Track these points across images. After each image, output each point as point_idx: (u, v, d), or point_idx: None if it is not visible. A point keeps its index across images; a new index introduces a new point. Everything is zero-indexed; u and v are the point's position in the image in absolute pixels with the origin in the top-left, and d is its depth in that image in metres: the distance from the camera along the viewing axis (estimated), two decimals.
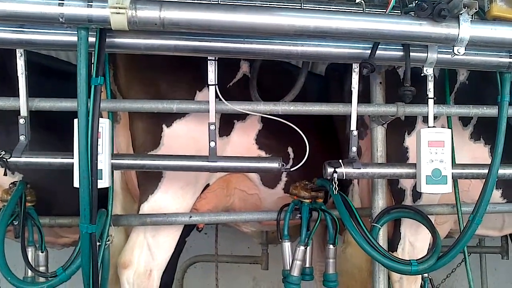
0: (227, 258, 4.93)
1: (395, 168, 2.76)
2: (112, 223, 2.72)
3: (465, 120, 3.21)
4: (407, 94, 2.47)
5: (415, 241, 3.16)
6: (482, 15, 2.44)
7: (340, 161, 2.68)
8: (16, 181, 2.78)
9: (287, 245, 2.95)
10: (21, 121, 2.48)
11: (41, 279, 2.65)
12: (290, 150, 3.23)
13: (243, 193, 3.30)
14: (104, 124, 2.42)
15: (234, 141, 3.05)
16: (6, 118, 2.76)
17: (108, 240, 2.68)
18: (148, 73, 2.84)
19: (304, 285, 2.90)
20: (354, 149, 2.69)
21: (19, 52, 2.43)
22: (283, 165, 2.65)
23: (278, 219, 2.96)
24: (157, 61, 2.74)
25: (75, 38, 2.18)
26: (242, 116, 3.02)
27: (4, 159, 2.42)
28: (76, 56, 2.19)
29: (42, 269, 2.74)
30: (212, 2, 2.37)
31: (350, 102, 2.65)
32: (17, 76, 2.46)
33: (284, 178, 3.28)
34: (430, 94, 2.66)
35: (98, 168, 2.28)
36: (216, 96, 2.57)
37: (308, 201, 2.93)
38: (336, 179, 2.64)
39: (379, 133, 2.94)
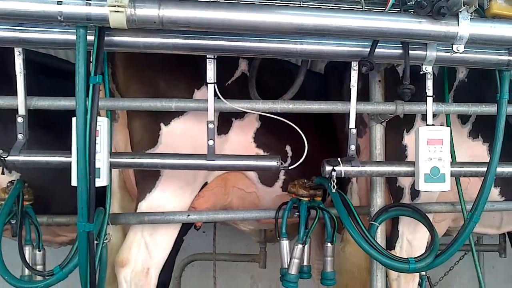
0: (225, 257, 4.93)
1: (393, 166, 2.76)
2: (109, 222, 2.72)
3: (463, 118, 3.21)
4: (406, 92, 2.47)
5: (413, 239, 3.17)
6: (481, 13, 2.44)
7: (339, 159, 2.68)
8: (14, 180, 2.78)
9: (285, 243, 2.94)
10: (19, 119, 2.47)
11: (38, 278, 2.65)
12: (288, 148, 3.23)
13: (241, 192, 3.29)
14: (102, 122, 2.41)
15: (232, 139, 3.05)
16: (4, 117, 2.76)
17: (106, 239, 2.67)
18: (146, 72, 2.84)
19: (302, 283, 2.90)
20: (352, 147, 2.68)
21: (17, 51, 2.43)
22: (281, 163, 2.65)
23: (276, 218, 2.96)
24: (155, 60, 2.73)
25: (73, 37, 2.17)
26: (240, 115, 3.01)
27: (2, 158, 2.42)
28: (74, 55, 2.18)
29: (39, 267, 2.73)
30: (211, 0, 2.36)
31: (349, 100, 2.65)
32: (16, 75, 2.45)
33: (282, 176, 3.28)
34: (429, 92, 2.66)
35: (96, 166, 2.28)
36: (215, 94, 2.56)
37: (306, 199, 2.93)
38: (334, 177, 2.64)
39: (378, 131, 2.93)
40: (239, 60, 3.04)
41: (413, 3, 2.29)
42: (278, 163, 2.63)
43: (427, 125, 2.67)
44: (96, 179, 2.29)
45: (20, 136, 2.48)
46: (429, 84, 2.65)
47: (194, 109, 2.65)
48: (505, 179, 3.12)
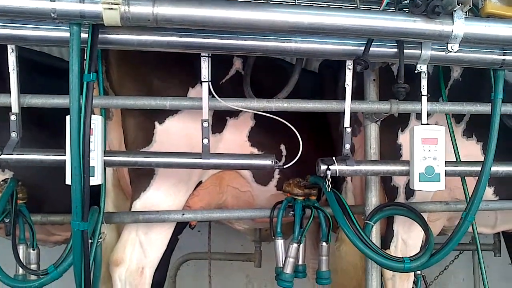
0: (220, 256, 4.93)
1: (388, 165, 2.76)
2: (104, 221, 2.71)
3: (458, 117, 3.21)
4: (401, 91, 2.48)
5: (407, 239, 3.17)
6: (476, 12, 2.45)
7: (334, 158, 2.68)
8: (7, 179, 2.76)
9: (280, 242, 2.95)
10: (13, 117, 2.46)
11: (33, 277, 2.64)
12: (283, 147, 3.23)
13: (235, 191, 3.29)
14: (97, 121, 2.41)
15: (226, 138, 3.04)
16: None
17: (100, 238, 2.66)
18: (140, 70, 2.83)
19: (297, 282, 2.90)
20: (347, 146, 2.69)
21: (10, 48, 2.42)
22: (276, 162, 2.65)
23: (271, 217, 2.96)
24: (149, 58, 2.74)
25: (67, 34, 2.16)
26: (234, 113, 3.01)
27: None
28: (68, 52, 2.17)
29: (33, 267, 2.72)
30: None
31: (344, 99, 2.65)
32: (9, 72, 2.43)
33: (276, 175, 3.28)
34: (424, 91, 2.67)
35: (90, 165, 2.27)
36: (209, 92, 2.56)
37: (301, 198, 2.93)
38: (329, 176, 2.64)
39: (373, 130, 2.93)
40: (233, 59, 3.02)
41: (408, 2, 2.29)
42: (273, 162, 2.63)
43: (421, 124, 2.67)
44: (90, 178, 2.27)
45: (13, 134, 2.47)
46: (424, 83, 2.66)
47: (189, 107, 2.65)
48: (499, 178, 3.12)
